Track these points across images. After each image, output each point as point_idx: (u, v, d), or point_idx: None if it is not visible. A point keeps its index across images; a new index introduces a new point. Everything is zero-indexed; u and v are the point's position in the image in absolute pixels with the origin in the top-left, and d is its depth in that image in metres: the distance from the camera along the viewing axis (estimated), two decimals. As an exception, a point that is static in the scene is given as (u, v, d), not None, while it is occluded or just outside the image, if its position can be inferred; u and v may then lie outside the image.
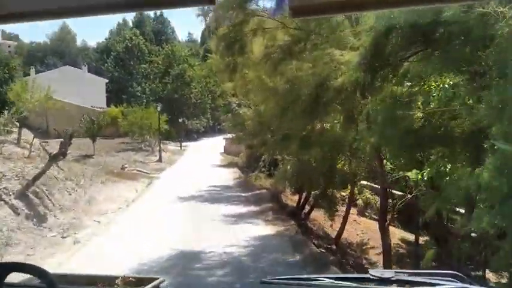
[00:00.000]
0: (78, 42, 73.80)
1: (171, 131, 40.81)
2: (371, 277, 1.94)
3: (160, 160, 29.01)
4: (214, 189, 18.92)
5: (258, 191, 18.36)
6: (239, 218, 12.96)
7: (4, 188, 11.09)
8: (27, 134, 36.73)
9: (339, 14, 5.72)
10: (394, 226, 15.85)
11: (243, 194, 17.76)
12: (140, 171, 24.26)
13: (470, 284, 2.02)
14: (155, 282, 2.13)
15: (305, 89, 7.60)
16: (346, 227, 13.83)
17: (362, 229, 17.38)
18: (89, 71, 52.40)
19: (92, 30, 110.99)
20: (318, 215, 17.52)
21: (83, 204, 14.20)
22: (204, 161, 30.58)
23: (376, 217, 19.64)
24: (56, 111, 37.03)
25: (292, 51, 9.59)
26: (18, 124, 19.54)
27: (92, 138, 27.62)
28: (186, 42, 75.17)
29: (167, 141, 41.23)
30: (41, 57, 59.53)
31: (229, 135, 38.70)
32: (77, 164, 21.89)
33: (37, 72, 49.78)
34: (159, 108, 31.19)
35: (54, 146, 30.37)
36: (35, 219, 11.03)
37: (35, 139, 30.50)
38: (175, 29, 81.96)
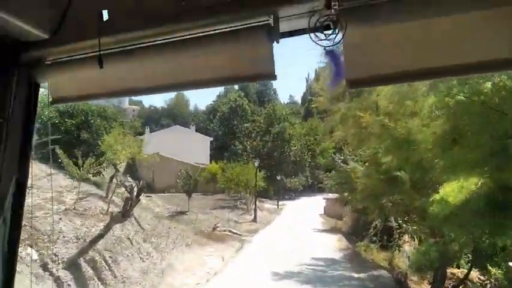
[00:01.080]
0: (191, 107, 78.19)
1: (269, 189, 37.55)
2: None
3: (255, 220, 25.48)
4: (317, 264, 14.38)
5: (374, 271, 13.29)
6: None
7: (54, 253, 8.41)
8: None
9: (390, 85, 6.25)
10: None
11: (356, 275, 12.87)
12: (232, 232, 20.91)
13: None
14: None
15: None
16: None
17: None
18: (197, 131, 53.49)
19: (203, 96, 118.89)
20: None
21: (155, 275, 10.97)
22: (303, 223, 26.12)
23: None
24: (161, 166, 37.17)
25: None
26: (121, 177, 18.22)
27: (187, 194, 25.56)
28: (287, 104, 74.37)
29: (264, 199, 38.01)
30: (157, 119, 63.46)
31: (330, 195, 33.98)
32: (166, 221, 19.46)
33: (151, 131, 52.50)
34: (256, 164, 28.28)
35: (155, 201, 29.22)
36: (82, 300, 8.00)
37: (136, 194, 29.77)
38: (277, 91, 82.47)
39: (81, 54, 1.42)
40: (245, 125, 54.17)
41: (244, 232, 21.59)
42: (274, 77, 1.30)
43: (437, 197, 7.97)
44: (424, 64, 1.19)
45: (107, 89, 1.58)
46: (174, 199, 29.51)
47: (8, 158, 1.49)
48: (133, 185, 8.82)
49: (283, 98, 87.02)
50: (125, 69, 1.47)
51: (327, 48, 1.20)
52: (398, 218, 17.67)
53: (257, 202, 27.96)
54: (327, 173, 48.25)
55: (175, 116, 64.43)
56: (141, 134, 50.72)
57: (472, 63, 1.15)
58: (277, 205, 36.97)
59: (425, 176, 10.67)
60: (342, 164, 23.22)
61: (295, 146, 50.00)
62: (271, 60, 1.29)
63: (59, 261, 8.28)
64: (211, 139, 51.44)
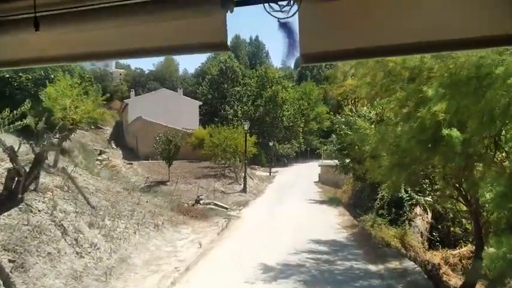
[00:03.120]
0: (180, 71, 72.82)
1: (260, 155, 33.95)
2: None
3: (244, 190, 21.97)
4: (320, 250, 10.94)
5: (396, 262, 9.86)
6: None
7: None
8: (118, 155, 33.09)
9: (347, 61, 5.64)
10: None
11: (373, 268, 9.42)
12: (217, 205, 17.40)
13: None
14: None
15: None
16: None
17: None
18: (185, 95, 49.08)
19: (193, 59, 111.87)
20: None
21: (94, 279, 7.34)
22: (298, 193, 22.72)
23: None
24: (145, 131, 33.43)
25: None
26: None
27: (167, 161, 21.79)
28: (280, 69, 69.37)
29: (256, 166, 34.57)
30: (143, 83, 58.55)
31: (325, 162, 30.65)
32: (138, 194, 15.76)
33: (137, 94, 48.00)
34: (246, 127, 24.37)
35: (136, 168, 25.43)
36: None
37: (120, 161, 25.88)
38: (270, 54, 77.01)
39: (16, 15, 1.24)
40: (236, 88, 49.74)
41: (231, 205, 18.11)
42: (226, 48, 1.21)
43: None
44: (381, 41, 1.11)
45: (45, 54, 1.39)
46: (156, 167, 25.86)
47: None
48: (12, 147, 4.97)
49: (276, 61, 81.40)
50: (63, 33, 1.31)
51: (281, 20, 1.13)
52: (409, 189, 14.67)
53: (248, 170, 24.40)
54: (320, 139, 44.58)
55: (163, 80, 59.48)
56: (127, 97, 46.38)
57: (423, 42, 1.10)
58: (270, 172, 33.59)
59: (492, 131, 6.89)
60: (343, 126, 19.74)
61: (288, 111, 46.08)
62: (224, 30, 1.19)
63: None
64: (200, 103, 47.15)
